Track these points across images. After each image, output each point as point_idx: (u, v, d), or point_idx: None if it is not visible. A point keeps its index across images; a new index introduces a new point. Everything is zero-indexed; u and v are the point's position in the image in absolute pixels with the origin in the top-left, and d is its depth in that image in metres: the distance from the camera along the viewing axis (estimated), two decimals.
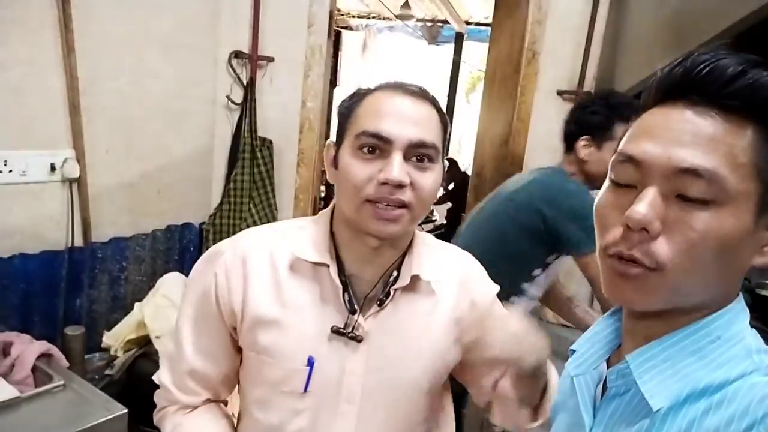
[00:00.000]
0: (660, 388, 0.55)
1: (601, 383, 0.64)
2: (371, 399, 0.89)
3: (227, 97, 2.28)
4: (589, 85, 2.42)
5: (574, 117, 1.71)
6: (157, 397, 0.98)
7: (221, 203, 2.31)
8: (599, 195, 0.60)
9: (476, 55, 6.97)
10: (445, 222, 5.60)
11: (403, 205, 0.80)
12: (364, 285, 0.89)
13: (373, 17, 6.43)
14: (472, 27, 6.01)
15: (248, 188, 2.29)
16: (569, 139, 1.71)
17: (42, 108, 1.74)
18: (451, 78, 6.09)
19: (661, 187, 0.53)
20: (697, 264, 0.52)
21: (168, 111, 2.11)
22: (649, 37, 2.12)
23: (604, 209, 0.58)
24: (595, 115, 1.67)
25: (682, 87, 0.54)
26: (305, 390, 0.86)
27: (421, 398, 0.93)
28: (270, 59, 2.28)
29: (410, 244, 0.92)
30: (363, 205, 0.81)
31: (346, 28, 6.53)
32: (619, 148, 0.58)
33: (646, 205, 0.52)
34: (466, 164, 5.57)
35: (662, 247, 0.52)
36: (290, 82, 2.31)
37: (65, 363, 1.57)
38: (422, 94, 0.86)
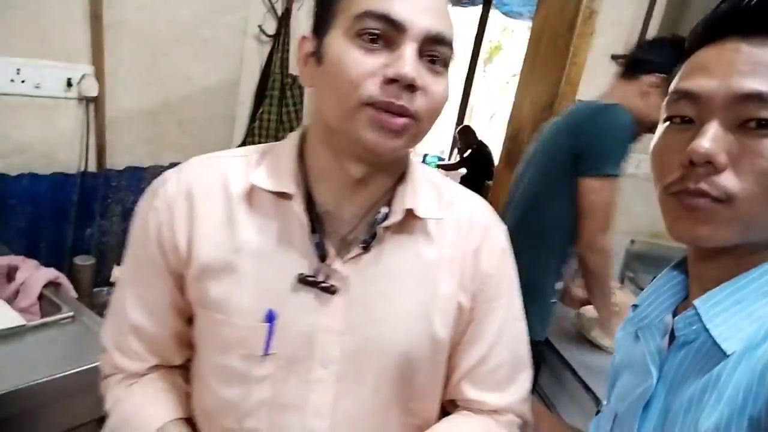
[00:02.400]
0: (732, 332, 0.54)
1: (667, 335, 0.62)
2: (354, 363, 0.71)
3: (259, 27, 2.10)
4: None
5: (661, 48, 1.51)
6: (102, 362, 0.81)
7: (244, 142, 2.15)
8: (654, 138, 0.59)
9: (496, 26, 6.78)
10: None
11: (410, 115, 0.62)
12: (342, 224, 0.71)
13: None
14: None
15: (274, 129, 2.14)
16: (639, 67, 1.52)
17: (61, 16, 1.57)
18: (476, 42, 5.86)
19: (722, 118, 0.52)
20: None
21: (196, 37, 1.94)
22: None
23: (662, 150, 0.57)
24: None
25: (731, 22, 0.54)
26: (266, 352, 0.69)
27: (422, 370, 0.73)
28: None
29: (405, 173, 0.73)
30: (359, 109, 0.61)
31: None
32: (672, 87, 0.57)
33: (709, 138, 0.52)
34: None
35: (730, 179, 0.51)
36: None
37: (74, 294, 1.45)
38: None
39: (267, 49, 2.15)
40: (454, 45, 0.65)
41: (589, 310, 1.64)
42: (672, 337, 0.61)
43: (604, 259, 1.49)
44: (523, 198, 1.63)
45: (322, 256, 0.69)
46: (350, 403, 0.71)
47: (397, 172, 0.73)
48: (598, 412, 1.40)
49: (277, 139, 2.14)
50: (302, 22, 2.15)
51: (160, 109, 1.91)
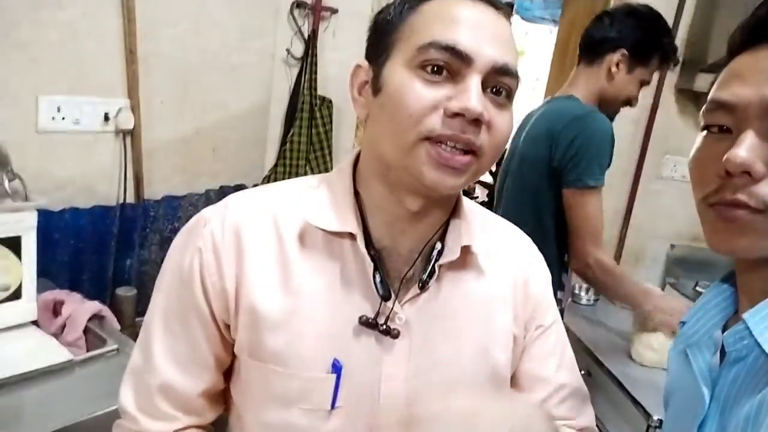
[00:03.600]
0: None
1: (718, 352, 0.61)
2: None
3: (287, 50, 2.12)
4: (678, 50, 2.20)
5: (618, 23, 1.47)
6: (117, 428, 0.72)
7: (276, 165, 2.17)
8: (694, 148, 0.58)
9: (519, 31, 6.72)
10: (486, 200, 5.40)
11: (472, 151, 0.59)
12: (399, 261, 0.68)
13: None
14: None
15: (305, 150, 2.15)
16: (599, 48, 1.49)
17: (98, 52, 1.62)
18: None
19: (759, 128, 0.51)
20: None
21: (226, 63, 1.97)
22: (755, 3, 1.90)
23: (700, 161, 0.57)
24: (643, 31, 1.45)
25: (766, 28, 0.53)
26: (333, 406, 0.64)
27: None
28: (334, 11, 2.12)
29: (455, 207, 0.71)
30: (418, 144, 0.58)
31: None
32: (710, 95, 0.57)
33: (745, 148, 0.51)
34: None
35: None
36: (354, 37, 2.13)
37: (117, 326, 1.47)
38: (503, 9, 0.63)
39: (295, 71, 2.17)
40: (519, 74, 0.62)
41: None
42: (723, 353, 0.60)
43: (604, 273, 1.43)
44: (506, 208, 1.59)
45: (386, 296, 0.65)
46: None
47: (451, 205, 0.71)
48: (648, 427, 1.36)
49: (308, 161, 2.15)
50: (328, 42, 2.17)
51: (194, 136, 1.94)
